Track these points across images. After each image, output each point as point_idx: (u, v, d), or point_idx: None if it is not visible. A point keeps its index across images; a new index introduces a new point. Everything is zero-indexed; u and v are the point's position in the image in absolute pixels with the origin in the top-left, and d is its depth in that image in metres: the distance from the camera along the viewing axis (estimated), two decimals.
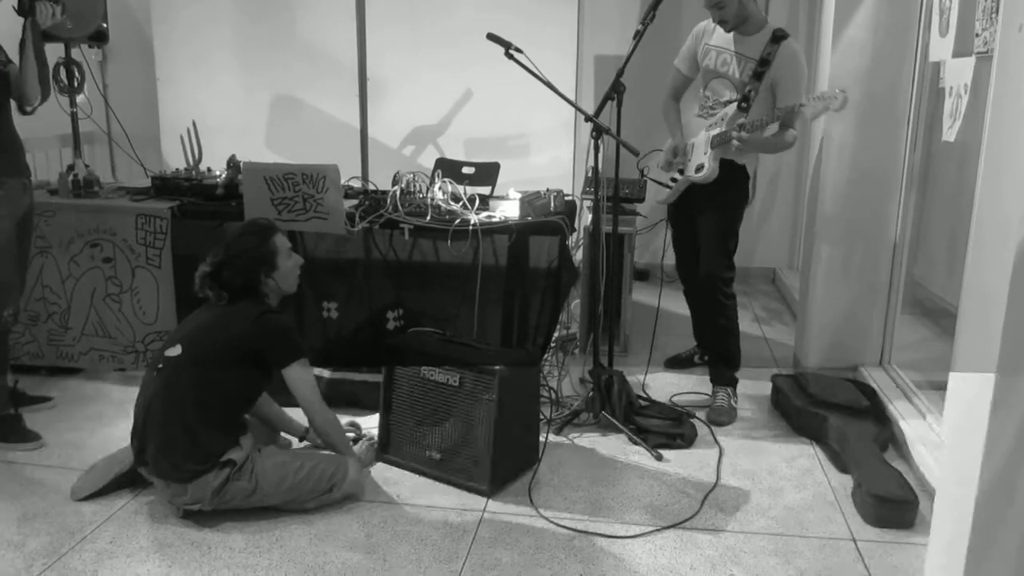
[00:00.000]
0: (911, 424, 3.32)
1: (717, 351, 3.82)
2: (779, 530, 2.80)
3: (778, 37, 3.42)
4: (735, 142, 3.42)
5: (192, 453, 2.70)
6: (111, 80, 5.71)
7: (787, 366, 4.27)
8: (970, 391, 2.10)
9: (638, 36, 3.33)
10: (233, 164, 3.83)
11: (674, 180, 3.73)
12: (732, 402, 3.71)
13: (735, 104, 3.49)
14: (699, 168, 3.58)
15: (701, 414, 3.65)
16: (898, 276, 3.90)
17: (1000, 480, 2.04)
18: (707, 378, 3.92)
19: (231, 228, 2.98)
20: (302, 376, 2.88)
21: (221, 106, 4.99)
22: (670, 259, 4.05)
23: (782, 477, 3.16)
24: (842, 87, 3.27)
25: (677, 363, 4.26)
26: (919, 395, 3.53)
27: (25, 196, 3.31)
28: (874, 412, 3.46)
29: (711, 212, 3.65)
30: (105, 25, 4.22)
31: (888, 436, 3.37)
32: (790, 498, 3.01)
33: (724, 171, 3.55)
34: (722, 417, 3.62)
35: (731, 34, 3.51)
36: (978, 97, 2.72)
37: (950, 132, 2.95)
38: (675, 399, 3.80)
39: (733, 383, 3.78)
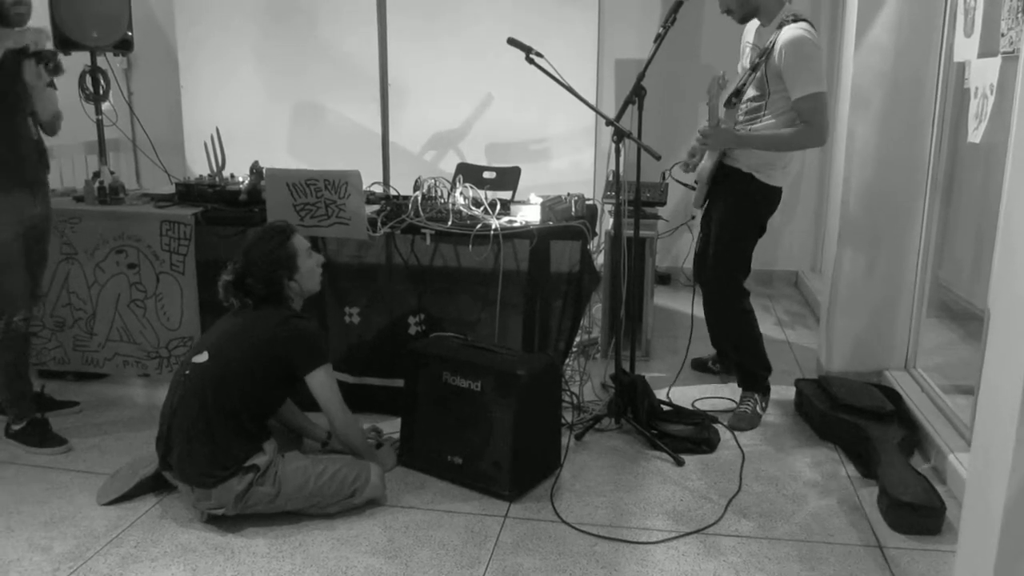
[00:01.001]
0: (937, 429, 3.28)
1: (733, 360, 3.81)
2: (803, 536, 2.77)
3: (782, 23, 3.28)
4: (696, 140, 3.44)
5: (217, 458, 2.72)
6: (136, 88, 5.78)
7: (811, 370, 4.23)
8: (999, 395, 2.08)
9: (659, 40, 3.31)
10: (256, 170, 3.85)
11: (695, 182, 3.71)
12: (757, 408, 3.65)
13: (724, 104, 3.41)
14: (695, 165, 3.64)
15: (724, 419, 3.63)
16: (923, 279, 3.86)
17: None
18: (731, 382, 3.89)
19: (250, 234, 3.00)
20: (325, 381, 2.89)
21: (244, 113, 5.03)
22: (690, 263, 4.04)
23: (806, 483, 3.13)
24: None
25: (700, 366, 4.26)
26: (945, 399, 3.49)
27: (35, 206, 3.33)
28: (899, 416, 3.43)
29: (716, 221, 3.62)
30: (130, 34, 4.27)
31: (914, 441, 3.33)
32: (814, 504, 2.98)
33: (728, 178, 3.51)
34: (741, 423, 3.58)
35: (762, 29, 3.43)
36: (1004, 98, 2.69)
37: (976, 133, 2.92)
38: (697, 404, 3.78)
39: (759, 390, 3.70)
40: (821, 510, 2.94)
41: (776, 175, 3.48)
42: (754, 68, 3.36)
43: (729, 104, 3.42)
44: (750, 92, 3.41)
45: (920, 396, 3.64)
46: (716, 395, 3.89)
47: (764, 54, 3.30)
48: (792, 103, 3.27)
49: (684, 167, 3.78)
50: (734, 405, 3.74)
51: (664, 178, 4.48)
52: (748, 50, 3.55)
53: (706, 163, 3.57)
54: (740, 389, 3.77)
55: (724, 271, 3.60)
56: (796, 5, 3.44)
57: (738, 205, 3.53)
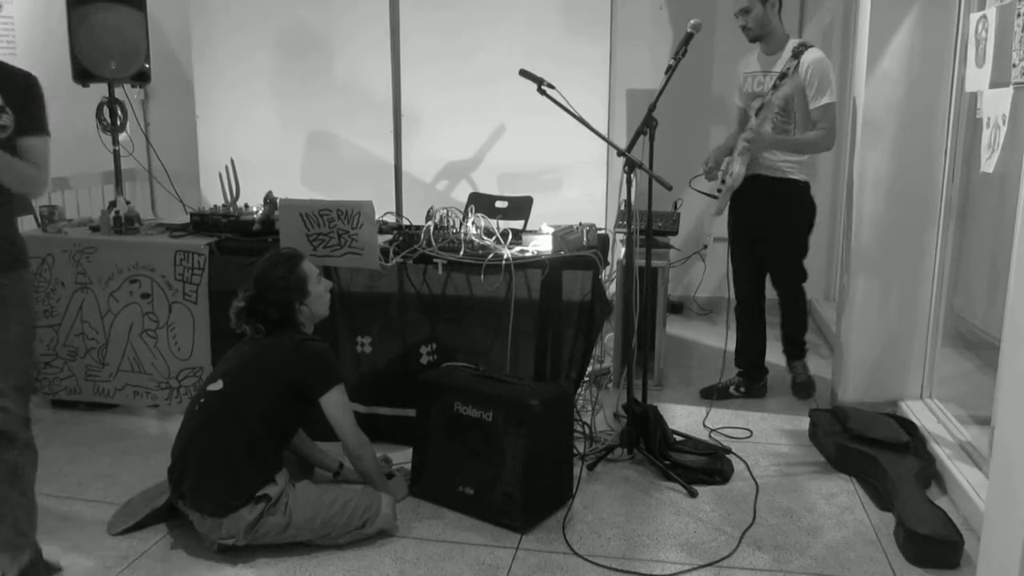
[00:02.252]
0: (954, 460, 3.25)
1: (794, 330, 4.20)
2: (818, 570, 2.74)
3: (797, 52, 3.76)
4: (743, 143, 3.79)
5: (229, 487, 2.72)
6: (153, 118, 5.85)
7: (825, 400, 4.20)
8: (1015, 425, 2.06)
9: (670, 71, 3.34)
10: (270, 200, 3.88)
11: (719, 191, 3.98)
12: (810, 373, 4.23)
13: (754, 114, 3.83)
14: (729, 175, 3.88)
15: (737, 448, 3.60)
16: (938, 308, 3.83)
17: None
18: (744, 412, 3.90)
19: (259, 262, 3.02)
20: (339, 401, 2.90)
21: (259, 143, 5.07)
22: (702, 292, 4.05)
23: (821, 515, 3.10)
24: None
25: (712, 393, 4.20)
26: (962, 430, 3.45)
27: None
28: (915, 447, 3.39)
29: (776, 234, 3.98)
30: (147, 65, 4.34)
31: (930, 472, 3.29)
32: (830, 536, 2.95)
33: (770, 187, 3.88)
34: (808, 391, 4.16)
35: (762, 57, 3.91)
36: (1017, 127, 2.68)
37: (988, 163, 2.91)
38: (713, 435, 3.76)
39: (804, 354, 4.26)
40: (837, 543, 2.90)
41: (806, 169, 3.94)
42: (776, 87, 3.77)
43: (755, 115, 3.84)
44: (775, 109, 3.83)
45: (936, 426, 3.60)
46: (731, 424, 3.86)
47: (783, 76, 3.76)
48: (810, 110, 3.77)
49: (707, 175, 4.05)
50: (749, 433, 3.76)
51: (676, 207, 4.49)
52: (753, 77, 3.95)
53: (740, 169, 3.85)
54: (790, 360, 4.28)
55: (798, 270, 4.08)
56: (809, 33, 3.66)
57: (791, 208, 3.94)
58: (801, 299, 4.17)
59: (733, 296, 4.21)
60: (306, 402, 2.89)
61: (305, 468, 3.18)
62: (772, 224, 3.97)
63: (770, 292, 4.19)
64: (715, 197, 3.97)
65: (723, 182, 3.94)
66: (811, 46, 3.80)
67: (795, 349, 4.28)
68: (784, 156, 3.88)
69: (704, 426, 3.86)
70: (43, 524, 3.01)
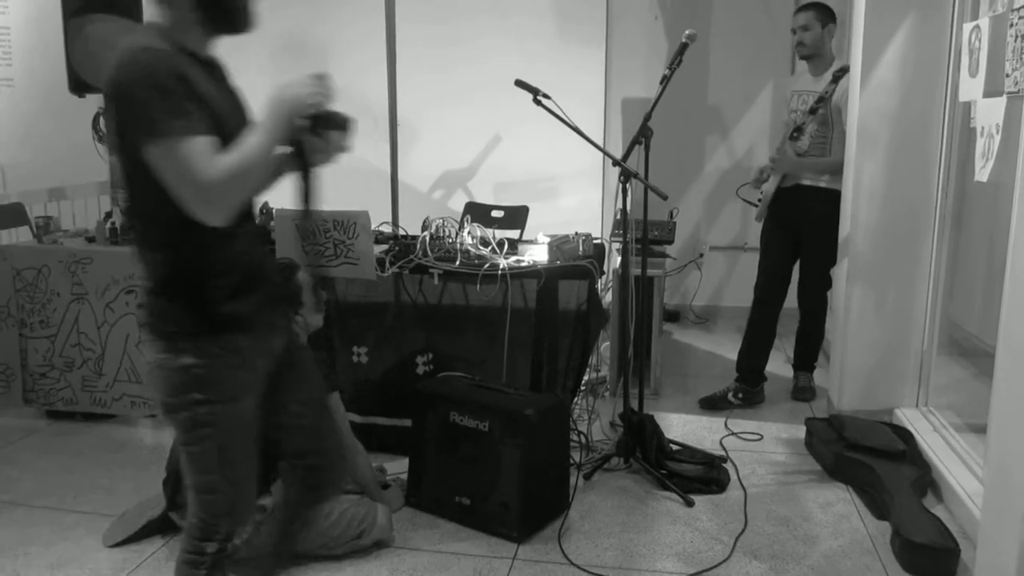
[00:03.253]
0: (950, 468, 3.25)
1: (814, 340, 4.34)
2: None
3: (836, 77, 3.91)
4: (768, 163, 4.10)
5: None
6: None
7: (821, 409, 4.20)
8: (1011, 434, 2.06)
9: (665, 81, 3.35)
10: (265, 211, 3.88)
11: (759, 200, 4.20)
12: (813, 384, 4.35)
13: (789, 137, 4.05)
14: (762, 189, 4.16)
15: (735, 456, 3.60)
16: (933, 316, 3.84)
17: None
18: (740, 419, 3.89)
19: None
20: (333, 409, 2.89)
21: None
22: (699, 300, 4.05)
23: (817, 523, 3.10)
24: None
25: (711, 404, 4.21)
26: (958, 438, 3.45)
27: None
28: (911, 456, 3.39)
29: (812, 241, 4.11)
30: None
31: (927, 481, 3.29)
32: (826, 545, 2.94)
33: (809, 199, 4.06)
34: (809, 395, 4.29)
35: (808, 76, 4.10)
36: (1010, 137, 2.69)
37: (983, 172, 2.92)
38: (725, 441, 3.76)
39: (814, 368, 4.40)
40: (833, 551, 2.90)
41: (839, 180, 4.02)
42: (813, 111, 3.96)
43: (792, 138, 4.04)
44: (812, 128, 4.01)
45: (932, 435, 3.60)
46: (738, 431, 3.88)
47: (821, 99, 3.92)
48: (844, 131, 3.96)
49: (754, 184, 4.25)
50: (760, 437, 3.86)
51: (672, 216, 4.51)
52: (799, 96, 4.11)
53: (770, 187, 4.11)
54: (797, 371, 4.40)
55: (828, 278, 4.20)
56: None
57: (828, 217, 4.04)
58: (825, 307, 4.32)
59: (756, 299, 4.28)
60: None
61: None
62: (811, 232, 4.11)
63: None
64: (756, 205, 4.23)
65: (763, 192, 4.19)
66: (846, 71, 3.92)
67: (809, 358, 4.41)
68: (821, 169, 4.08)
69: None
70: (38, 536, 3.01)
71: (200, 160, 1.67)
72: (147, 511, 3.01)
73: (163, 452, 2.93)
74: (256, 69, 5.02)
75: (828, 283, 4.25)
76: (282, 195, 4.56)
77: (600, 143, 3.88)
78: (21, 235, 4.47)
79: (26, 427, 4.00)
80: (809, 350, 4.39)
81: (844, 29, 4.65)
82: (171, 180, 1.69)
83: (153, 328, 1.86)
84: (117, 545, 2.94)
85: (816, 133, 4.03)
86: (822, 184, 4.06)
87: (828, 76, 3.97)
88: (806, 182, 4.09)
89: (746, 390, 4.23)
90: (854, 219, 3.86)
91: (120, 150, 1.75)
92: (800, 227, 4.14)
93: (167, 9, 1.80)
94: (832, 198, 4.04)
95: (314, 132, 1.97)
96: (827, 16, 4.01)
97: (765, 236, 4.29)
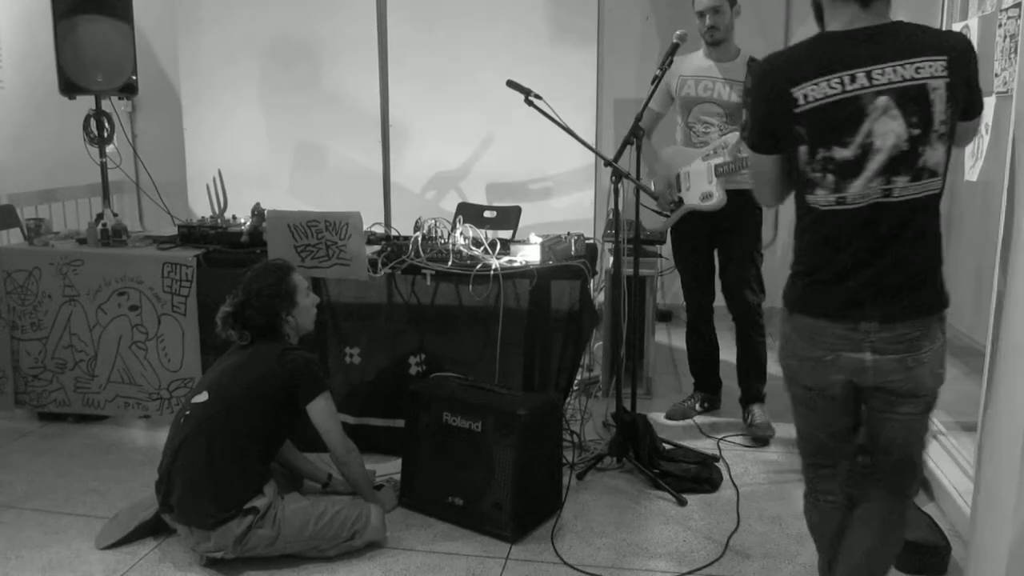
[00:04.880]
0: (941, 466, 3.26)
1: (754, 369, 3.92)
2: None
3: (752, 68, 3.51)
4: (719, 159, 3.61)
5: (217, 499, 2.71)
6: (140, 130, 5.84)
7: None
8: (1001, 432, 2.07)
9: (656, 81, 3.36)
10: (258, 212, 3.88)
11: (671, 210, 3.81)
12: (768, 418, 3.87)
13: (735, 132, 3.60)
14: (706, 197, 3.64)
15: (727, 455, 3.61)
16: None
17: None
18: (732, 419, 3.87)
19: (250, 270, 3.02)
20: (325, 409, 2.90)
21: (246, 155, 5.07)
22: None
23: None
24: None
25: (678, 414, 4.12)
26: (949, 436, 3.47)
27: None
28: None
29: (732, 244, 3.79)
30: (135, 77, 4.33)
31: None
32: None
33: (735, 200, 3.61)
34: (767, 432, 3.79)
35: (709, 62, 3.71)
36: (999, 136, 2.71)
37: (972, 171, 2.94)
38: (729, 439, 3.78)
39: (764, 398, 3.93)
40: None
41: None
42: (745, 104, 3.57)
43: (742, 136, 3.56)
44: (717, 121, 3.70)
45: None
46: (737, 432, 3.89)
47: (749, 90, 3.51)
48: None
49: (664, 204, 3.83)
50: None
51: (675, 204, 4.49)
52: (698, 82, 3.71)
53: (721, 195, 3.62)
54: (745, 405, 3.96)
55: (759, 284, 3.84)
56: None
57: (752, 223, 3.79)
58: (757, 317, 3.92)
59: (688, 327, 4.16)
60: (292, 411, 2.89)
61: (294, 480, 3.17)
62: (728, 234, 3.80)
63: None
64: (664, 215, 3.84)
65: (679, 201, 3.75)
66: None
67: (759, 391, 3.99)
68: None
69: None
70: (30, 538, 3.00)
71: None
72: (139, 513, 3.00)
73: (155, 454, 2.92)
74: (249, 68, 5.03)
75: (760, 296, 3.84)
76: (275, 195, 4.55)
77: (592, 143, 3.88)
78: (12, 237, 4.46)
79: (18, 429, 3.99)
80: (753, 375, 3.94)
81: None
82: None
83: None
84: (109, 547, 2.94)
85: (725, 126, 3.69)
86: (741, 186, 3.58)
87: (742, 61, 3.64)
88: (737, 187, 3.61)
89: (709, 397, 4.17)
90: None
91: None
92: (712, 232, 3.80)
93: None
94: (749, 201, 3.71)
95: None
96: None
97: (677, 246, 3.97)
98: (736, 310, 3.88)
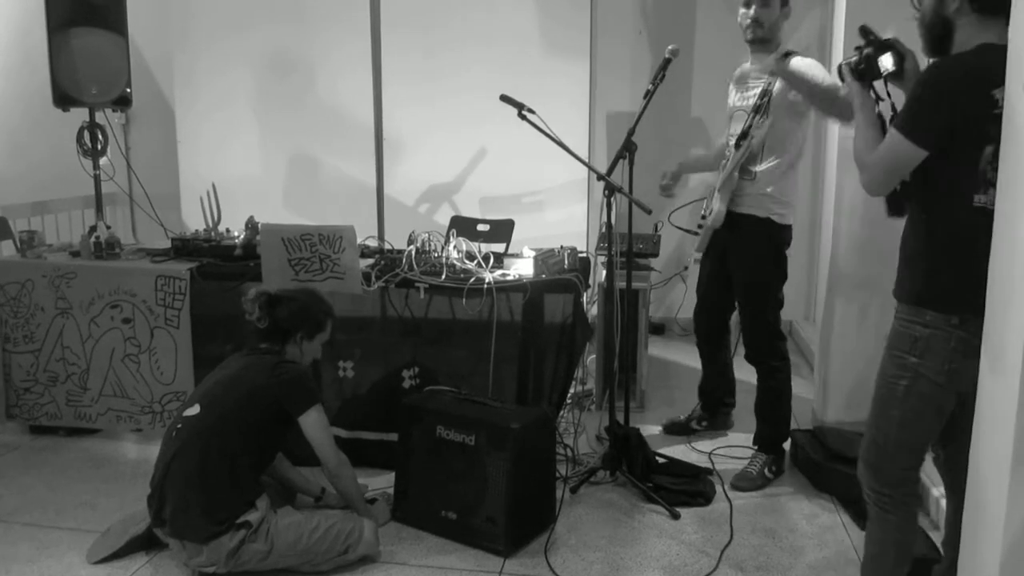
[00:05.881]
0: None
1: (762, 413, 3.68)
2: None
3: (787, 54, 3.28)
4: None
5: (209, 513, 2.70)
6: (133, 143, 5.84)
7: (806, 420, 4.22)
8: (991, 444, 2.08)
9: (648, 96, 3.37)
10: (251, 225, 3.88)
11: (699, 227, 3.64)
12: (766, 472, 3.55)
13: (735, 145, 3.49)
14: (706, 213, 3.57)
15: (721, 468, 3.62)
16: None
17: None
18: (726, 432, 3.88)
19: (313, 291, 3.17)
20: (317, 421, 2.90)
21: (240, 167, 5.07)
22: (684, 313, 4.04)
23: (803, 535, 3.11)
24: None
25: (676, 429, 4.09)
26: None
27: None
28: None
29: (742, 284, 3.62)
30: (128, 90, 4.33)
31: None
32: (811, 556, 2.96)
33: (746, 226, 3.48)
34: (742, 482, 3.50)
35: (749, 67, 3.53)
36: None
37: None
38: (726, 451, 3.79)
39: (775, 452, 3.62)
40: (818, 563, 2.92)
41: (789, 213, 3.49)
42: (757, 108, 3.40)
43: (738, 147, 3.46)
44: (761, 129, 3.43)
45: None
46: (731, 444, 3.89)
47: (764, 94, 3.39)
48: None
49: (661, 190, 3.83)
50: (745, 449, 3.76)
51: (657, 229, 4.52)
52: (737, 89, 3.59)
53: (720, 207, 3.48)
54: (756, 450, 3.67)
55: (772, 327, 3.59)
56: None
57: (762, 258, 3.52)
58: (778, 363, 3.69)
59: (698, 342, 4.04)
60: (284, 424, 2.89)
61: (287, 494, 3.16)
62: (740, 266, 3.61)
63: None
64: (695, 233, 3.67)
65: (703, 218, 3.59)
66: (796, 53, 3.31)
67: (765, 436, 3.71)
68: (764, 197, 3.46)
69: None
70: (21, 553, 2.99)
71: None
72: (131, 527, 2.99)
73: (147, 468, 2.91)
74: (243, 81, 5.04)
75: (772, 340, 3.60)
76: (269, 209, 4.56)
77: (585, 157, 3.90)
78: (5, 249, 4.45)
79: (8, 443, 3.97)
80: (768, 419, 3.67)
81: (825, 43, 4.69)
82: None
83: None
84: (101, 562, 2.93)
85: (766, 132, 3.42)
86: (756, 212, 3.46)
87: (769, 62, 3.34)
88: (740, 209, 3.49)
89: (708, 416, 4.12)
90: (836, 233, 3.90)
91: None
92: (729, 257, 3.62)
93: None
94: (773, 232, 3.47)
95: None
96: None
97: (703, 261, 3.77)
98: (746, 354, 3.66)
